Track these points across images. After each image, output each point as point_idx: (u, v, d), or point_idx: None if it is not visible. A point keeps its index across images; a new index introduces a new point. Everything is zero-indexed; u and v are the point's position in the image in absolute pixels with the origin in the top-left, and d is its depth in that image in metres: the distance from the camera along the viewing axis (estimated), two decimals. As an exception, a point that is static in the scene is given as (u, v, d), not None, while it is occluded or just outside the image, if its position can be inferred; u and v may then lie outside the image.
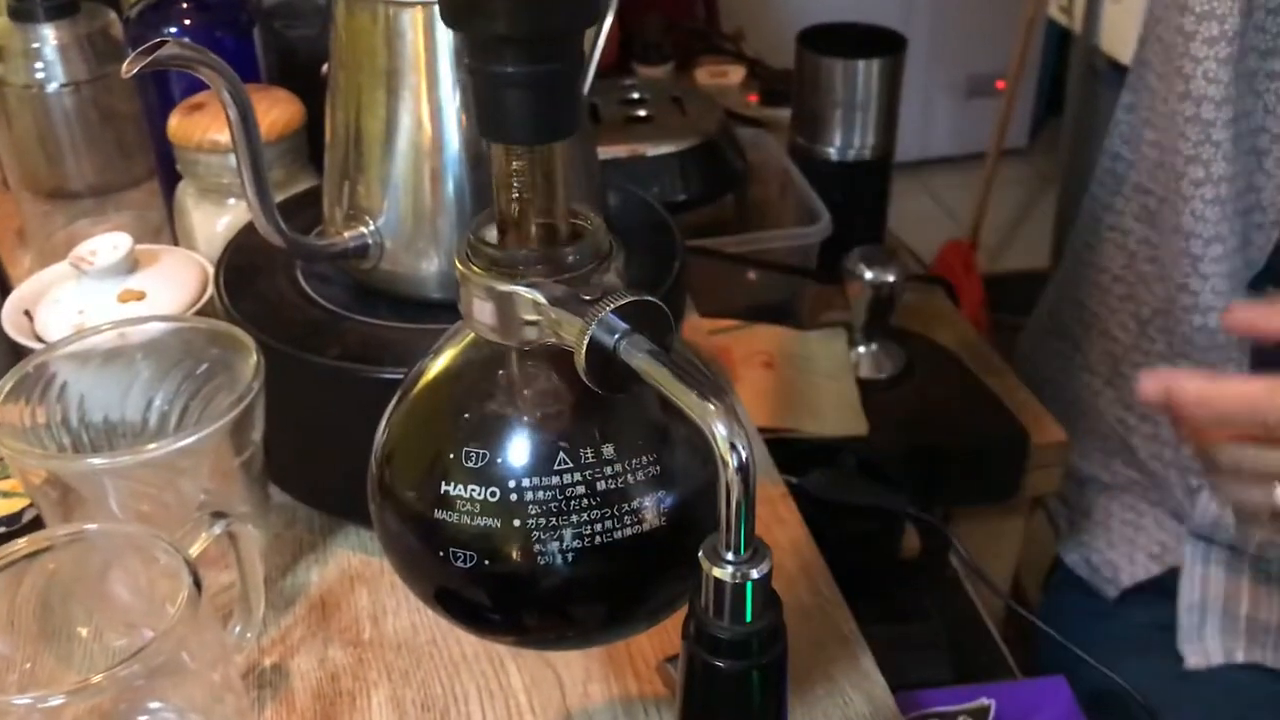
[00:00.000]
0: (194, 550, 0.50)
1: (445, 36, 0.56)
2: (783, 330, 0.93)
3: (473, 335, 0.39)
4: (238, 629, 0.54)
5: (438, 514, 0.38)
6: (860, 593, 0.71)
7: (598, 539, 0.37)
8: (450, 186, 0.58)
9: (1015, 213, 2.63)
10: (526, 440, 0.37)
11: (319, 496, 0.63)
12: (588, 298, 0.36)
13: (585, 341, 0.35)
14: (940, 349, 0.94)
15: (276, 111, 0.70)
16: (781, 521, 0.64)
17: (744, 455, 0.32)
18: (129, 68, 0.47)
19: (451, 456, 0.37)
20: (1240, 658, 0.85)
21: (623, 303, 0.35)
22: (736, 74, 1.27)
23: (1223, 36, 0.75)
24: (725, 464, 0.32)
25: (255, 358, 0.56)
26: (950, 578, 0.80)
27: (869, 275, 0.87)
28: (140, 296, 0.66)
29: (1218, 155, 0.78)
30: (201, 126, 0.69)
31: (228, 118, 0.51)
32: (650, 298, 0.36)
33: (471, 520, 0.37)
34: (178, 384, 0.60)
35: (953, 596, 0.79)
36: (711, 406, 0.32)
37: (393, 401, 0.41)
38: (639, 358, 0.34)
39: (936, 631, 0.71)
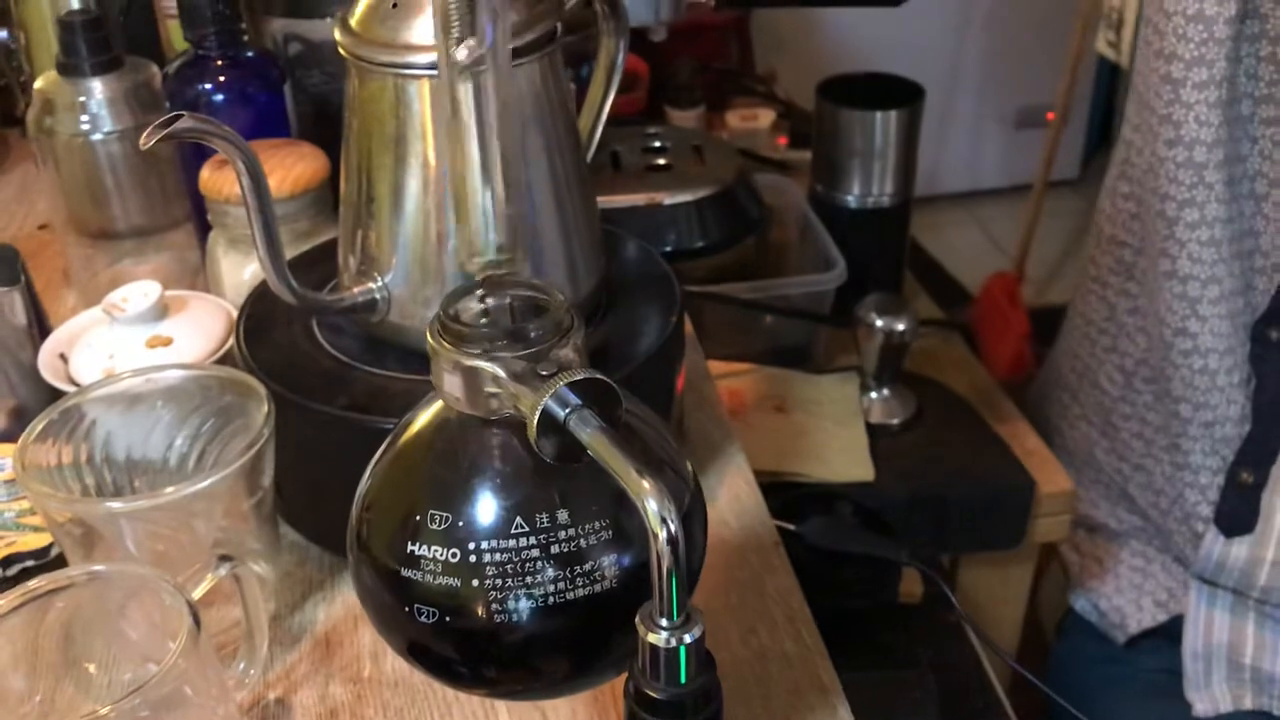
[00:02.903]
0: (198, 592, 0.53)
1: (451, 104, 0.59)
2: (795, 374, 0.95)
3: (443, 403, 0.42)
4: (242, 665, 0.57)
5: (404, 572, 0.40)
6: (854, 638, 0.73)
7: (552, 599, 0.40)
8: (454, 248, 0.61)
9: (1064, 245, 2.62)
10: (486, 505, 0.40)
11: (328, 537, 0.66)
12: (544, 373, 0.39)
13: (537, 414, 0.37)
14: (952, 395, 0.95)
15: (302, 166, 0.74)
16: (772, 570, 0.66)
17: (673, 529, 0.34)
18: (145, 140, 0.51)
19: (418, 518, 0.40)
20: (1248, 704, 0.86)
21: (574, 379, 0.38)
22: (766, 117, 1.29)
23: (1211, 81, 0.77)
24: (655, 536, 0.34)
25: (267, 406, 0.60)
26: (954, 624, 0.82)
27: (880, 323, 0.89)
28: (167, 342, 0.70)
29: (1211, 198, 0.79)
30: (230, 180, 0.73)
31: (240, 185, 0.54)
32: (600, 376, 0.38)
33: (434, 579, 0.40)
34: (197, 428, 0.64)
35: (954, 643, 0.80)
36: (646, 484, 0.35)
37: (375, 456, 0.44)
38: (585, 432, 0.37)
39: (926, 679, 0.73)
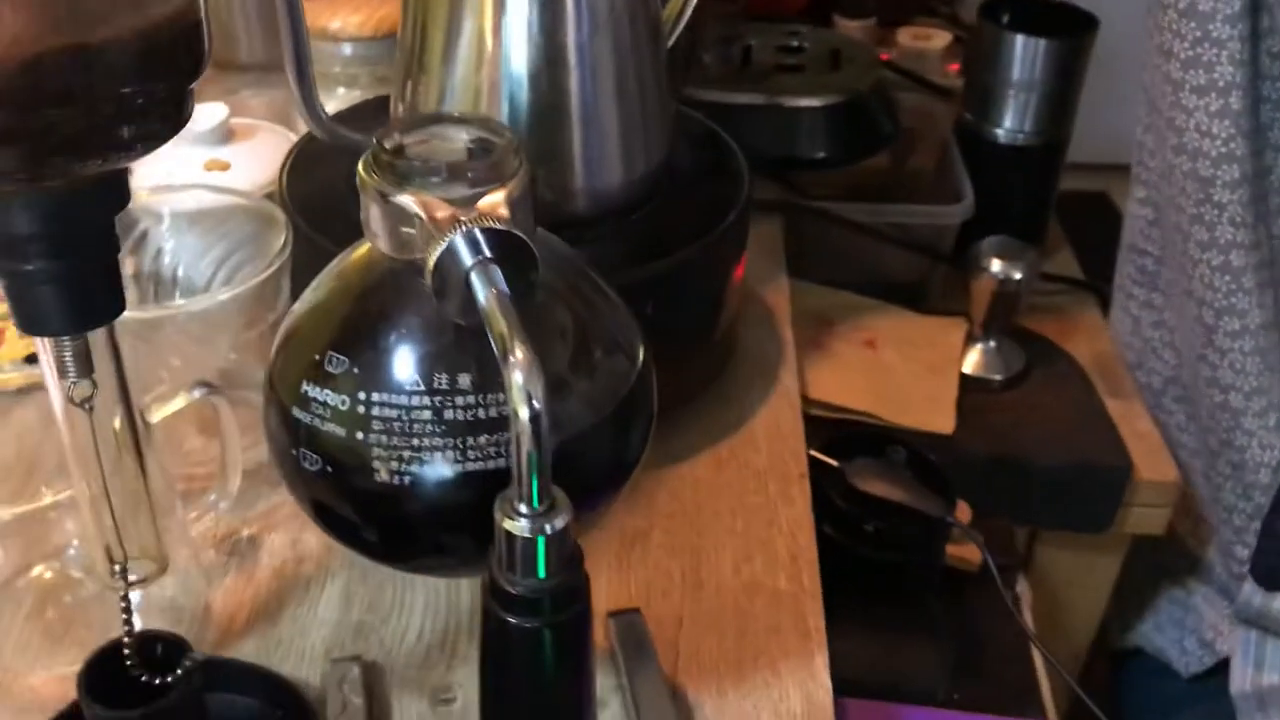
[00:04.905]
0: (165, 412, 0.52)
1: (511, -50, 0.55)
2: (898, 311, 0.88)
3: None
4: (213, 497, 0.56)
5: (296, 412, 0.38)
6: (875, 591, 0.67)
7: (436, 467, 0.36)
8: (505, 99, 0.58)
9: None
10: (384, 356, 0.37)
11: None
12: (466, 220, 0.35)
13: (434, 258, 0.33)
14: (1067, 360, 0.86)
15: (387, 9, 0.71)
16: (789, 502, 0.61)
17: (537, 407, 0.30)
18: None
19: (317, 358, 0.37)
20: None
21: (484, 227, 0.34)
22: (941, 39, 1.19)
23: (1212, 86, 0.66)
24: (516, 415, 0.30)
25: (284, 236, 0.58)
26: (1011, 598, 0.75)
27: (995, 268, 0.81)
28: (225, 167, 0.69)
29: (1222, 218, 0.69)
30: (312, 14, 0.71)
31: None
32: (518, 233, 0.34)
33: (322, 425, 0.37)
34: (227, 252, 0.63)
35: (1005, 625, 0.73)
36: (518, 354, 0.31)
37: (305, 292, 0.41)
38: (483, 290, 0.33)
39: (941, 653, 0.66)
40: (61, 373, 0.35)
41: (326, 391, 0.37)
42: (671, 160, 0.64)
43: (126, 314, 0.56)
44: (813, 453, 0.68)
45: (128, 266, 0.63)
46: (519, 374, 0.30)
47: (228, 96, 0.93)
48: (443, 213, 0.35)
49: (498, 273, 0.33)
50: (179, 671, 0.41)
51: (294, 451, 0.38)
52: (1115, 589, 0.87)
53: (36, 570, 0.55)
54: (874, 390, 0.80)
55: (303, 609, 0.55)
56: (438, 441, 0.36)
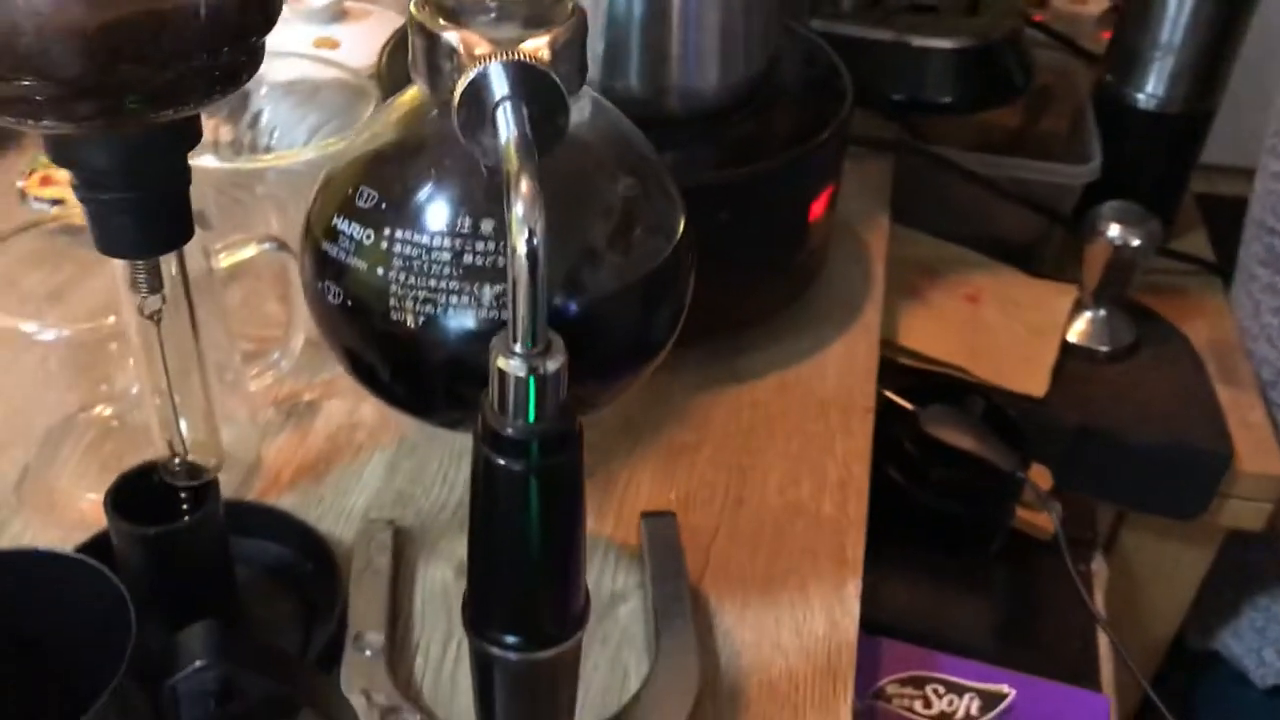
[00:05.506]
0: (233, 258, 0.53)
1: None
2: (1006, 270, 0.84)
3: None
4: (277, 354, 0.57)
5: (324, 245, 0.38)
6: (934, 540, 0.65)
7: (450, 311, 0.36)
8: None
9: None
10: (411, 193, 0.36)
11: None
12: (501, 54, 0.34)
13: (463, 86, 0.33)
14: (1181, 340, 0.82)
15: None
16: (849, 433, 0.59)
17: (535, 243, 0.29)
18: None
19: (350, 191, 0.37)
20: None
21: (515, 63, 0.33)
22: (1098, 4, 1.14)
23: None
24: (514, 250, 0.30)
25: (372, 106, 0.58)
26: (1082, 574, 0.72)
27: (1112, 233, 0.77)
28: (334, 45, 0.70)
29: None
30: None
31: None
32: (549, 73, 0.33)
33: (346, 258, 0.37)
34: (318, 123, 0.63)
35: (1076, 599, 0.70)
36: (524, 187, 0.30)
37: (349, 138, 0.41)
38: (505, 125, 0.32)
39: (993, 611, 0.64)
40: (134, 289, 0.37)
41: (355, 225, 0.37)
42: (774, 75, 0.63)
43: (215, 166, 0.58)
44: (888, 394, 0.66)
45: (225, 134, 0.64)
46: (520, 206, 0.30)
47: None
48: (482, 49, 0.34)
49: (524, 111, 0.32)
50: (198, 497, 0.42)
51: (320, 284, 0.38)
52: (1200, 587, 0.82)
53: (98, 409, 0.57)
54: (969, 345, 0.77)
55: (348, 472, 0.56)
56: (454, 285, 0.36)
